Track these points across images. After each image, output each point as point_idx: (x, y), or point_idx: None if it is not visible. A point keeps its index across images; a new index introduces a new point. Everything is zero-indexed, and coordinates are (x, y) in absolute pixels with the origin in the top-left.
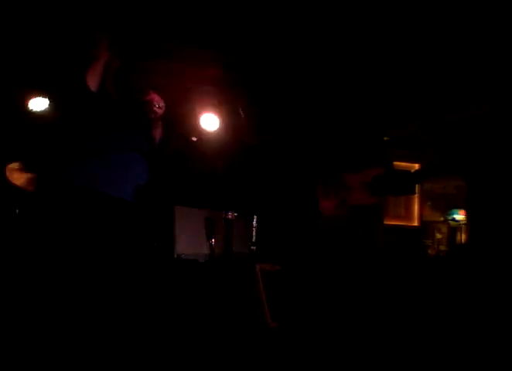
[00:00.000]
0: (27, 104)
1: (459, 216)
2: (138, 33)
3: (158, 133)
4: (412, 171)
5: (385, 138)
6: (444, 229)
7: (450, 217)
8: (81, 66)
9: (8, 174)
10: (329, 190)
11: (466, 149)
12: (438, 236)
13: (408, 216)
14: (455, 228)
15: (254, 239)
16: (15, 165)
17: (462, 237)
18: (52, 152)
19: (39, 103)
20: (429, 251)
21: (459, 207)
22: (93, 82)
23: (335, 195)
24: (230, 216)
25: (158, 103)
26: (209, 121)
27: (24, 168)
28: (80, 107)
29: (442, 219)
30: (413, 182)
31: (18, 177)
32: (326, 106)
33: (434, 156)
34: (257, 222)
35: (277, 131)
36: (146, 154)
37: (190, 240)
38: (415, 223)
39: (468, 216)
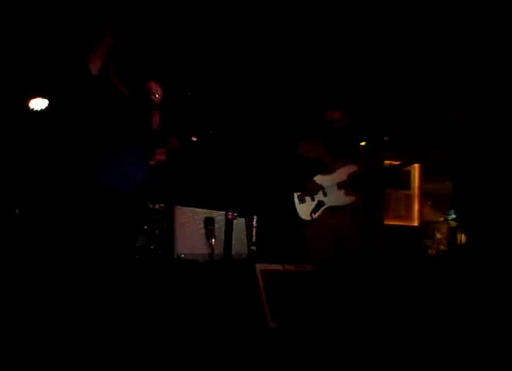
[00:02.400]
0: (28, 102)
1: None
2: (141, 19)
3: (155, 121)
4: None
5: (385, 138)
6: (444, 229)
7: (450, 217)
8: (83, 51)
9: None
10: (305, 195)
11: (453, 149)
12: (438, 236)
13: (408, 216)
14: (455, 228)
15: (254, 239)
16: None
17: (462, 237)
18: (53, 144)
19: (38, 103)
20: (429, 251)
21: None
22: (94, 66)
23: (311, 199)
24: (230, 216)
25: (156, 91)
26: (209, 121)
27: None
28: (81, 92)
29: (441, 219)
30: (390, 175)
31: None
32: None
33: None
34: (257, 222)
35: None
36: (146, 147)
37: (190, 240)
38: (415, 223)
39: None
